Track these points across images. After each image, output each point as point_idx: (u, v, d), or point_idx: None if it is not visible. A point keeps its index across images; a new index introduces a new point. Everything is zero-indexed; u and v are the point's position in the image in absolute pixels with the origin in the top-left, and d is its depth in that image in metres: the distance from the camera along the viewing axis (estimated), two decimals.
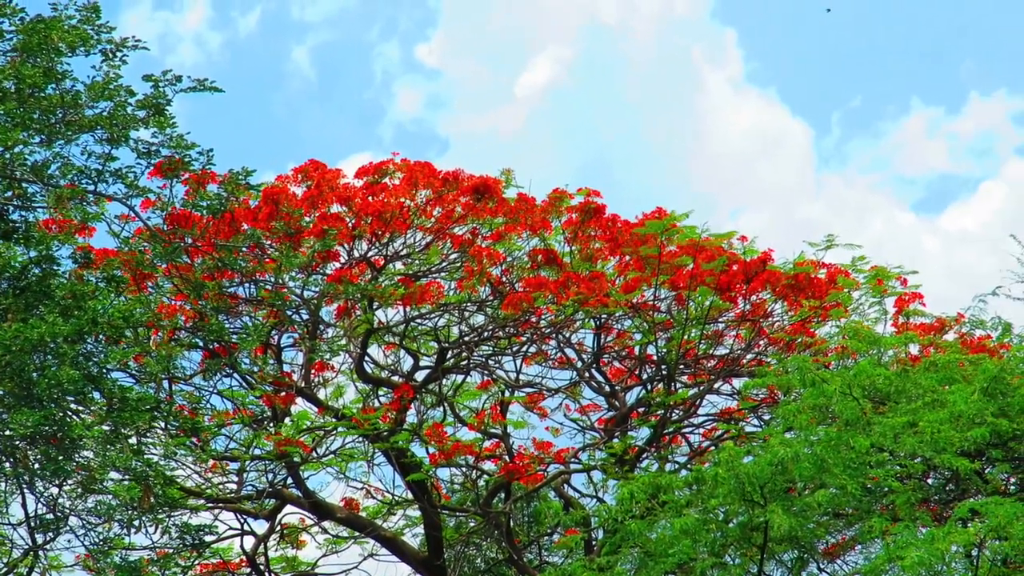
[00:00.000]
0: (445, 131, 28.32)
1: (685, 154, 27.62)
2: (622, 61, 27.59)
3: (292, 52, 27.82)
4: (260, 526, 12.71)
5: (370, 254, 12.50)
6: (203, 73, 10.04)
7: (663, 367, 12.71)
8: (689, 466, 12.64)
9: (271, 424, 12.20)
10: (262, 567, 12.56)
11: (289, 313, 12.08)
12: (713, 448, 12.91)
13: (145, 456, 10.11)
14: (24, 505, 9.62)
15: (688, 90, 27.59)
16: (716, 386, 12.97)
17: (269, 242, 11.89)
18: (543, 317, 12.59)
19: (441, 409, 13.07)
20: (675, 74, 27.45)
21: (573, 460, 12.74)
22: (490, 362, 12.96)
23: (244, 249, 11.56)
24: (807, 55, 27.32)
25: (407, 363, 13.17)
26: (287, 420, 12.20)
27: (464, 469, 12.86)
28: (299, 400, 12.45)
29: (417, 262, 12.53)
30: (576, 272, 12.46)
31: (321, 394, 12.79)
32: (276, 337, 12.61)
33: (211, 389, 11.81)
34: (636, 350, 13.35)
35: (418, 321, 12.79)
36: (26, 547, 9.71)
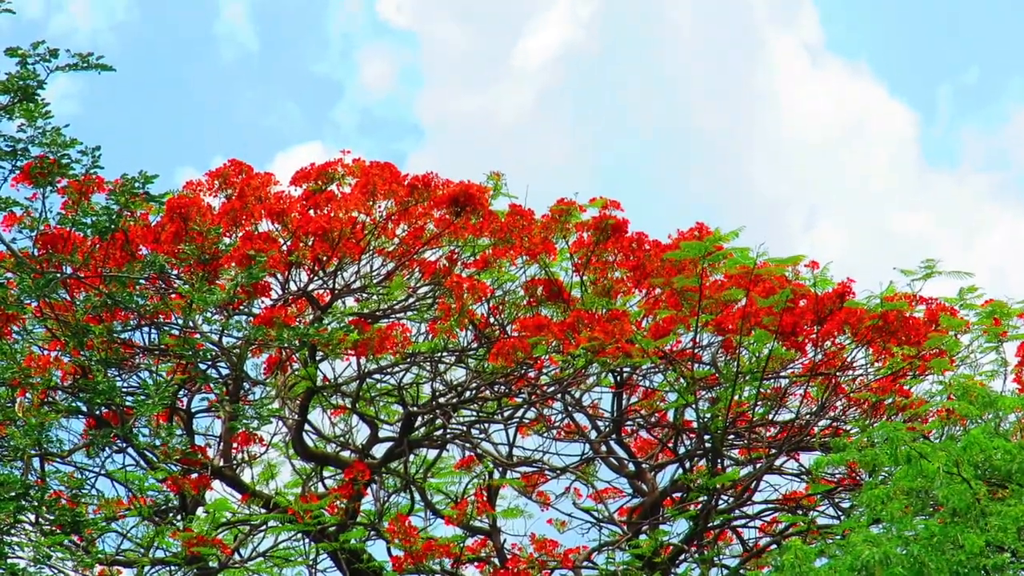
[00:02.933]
0: (420, 115, 28.39)
1: (740, 148, 27.09)
2: (659, 22, 27.14)
3: (223, 10, 27.72)
4: None
5: (312, 287, 12.58)
6: (103, 41, 10.53)
7: (706, 438, 12.74)
8: (742, 571, 12.68)
9: (178, 516, 12.24)
10: None
11: (203, 367, 12.23)
12: (774, 547, 12.91)
13: (8, 561, 10.18)
14: None
15: (748, 61, 27.15)
16: (777, 463, 12.97)
17: (176, 271, 11.99)
18: (544, 371, 12.65)
19: (408, 495, 13.06)
20: (730, 40, 27.00)
21: (586, 564, 12.76)
22: (474, 432, 13.02)
23: (142, 281, 11.61)
24: (908, 16, 26.91)
25: (362, 434, 13.34)
26: (200, 511, 12.23)
27: None
28: (216, 484, 12.51)
29: (375, 298, 12.65)
30: (589, 310, 12.52)
31: (246, 476, 12.84)
32: (185, 399, 12.69)
33: (97, 469, 11.94)
34: (670, 415, 13.38)
35: (376, 377, 12.89)
36: None
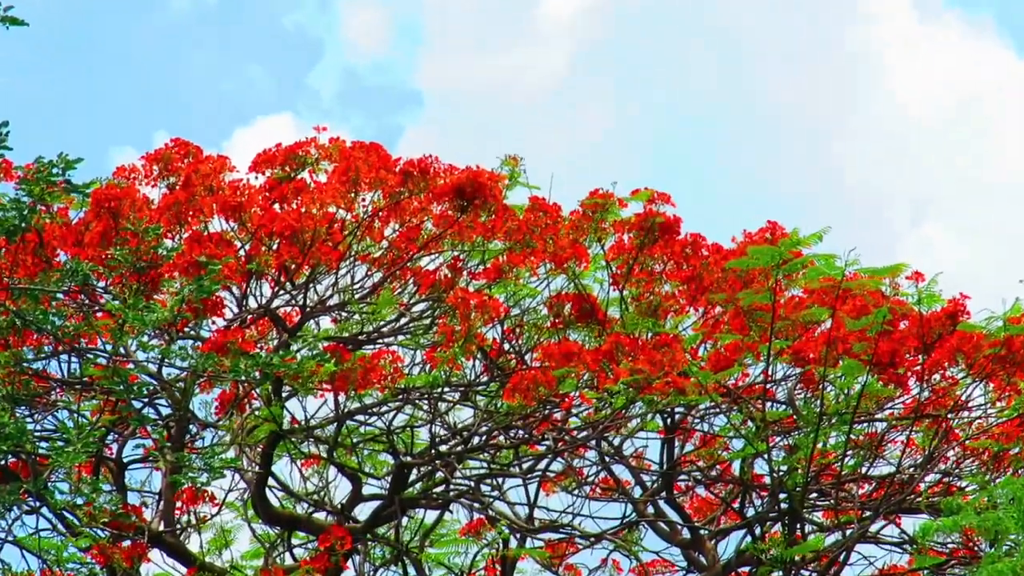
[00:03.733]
0: (419, 82, 27.97)
1: (826, 126, 26.60)
2: None
3: None
4: None
5: (277, 304, 12.33)
6: None
7: (781, 496, 12.49)
8: None
9: None
10: None
11: (137, 405, 12.01)
12: None
13: None
14: None
15: (837, 15, 26.68)
16: (872, 529, 12.79)
17: (103, 283, 11.88)
18: (574, 411, 12.49)
19: (400, 569, 12.92)
20: None
21: None
22: (484, 488, 12.77)
23: (60, 296, 11.56)
24: None
25: (341, 490, 13.08)
26: None
27: None
28: (155, 554, 12.24)
29: (358, 317, 12.44)
30: (631, 334, 12.35)
31: (193, 543, 12.63)
32: (115, 446, 12.54)
33: (3, 535, 11.56)
34: (735, 467, 13.21)
35: (359, 419, 12.60)
36: None
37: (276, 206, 12.09)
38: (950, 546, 12.56)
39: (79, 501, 11.63)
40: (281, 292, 12.25)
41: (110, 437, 12.33)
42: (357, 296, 12.34)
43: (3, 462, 11.75)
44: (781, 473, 12.38)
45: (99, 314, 11.82)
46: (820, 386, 12.15)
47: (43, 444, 11.46)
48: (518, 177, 12.61)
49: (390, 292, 12.31)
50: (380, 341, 12.49)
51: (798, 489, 12.20)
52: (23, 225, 10.65)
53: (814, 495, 12.69)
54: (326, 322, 12.67)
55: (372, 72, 28.44)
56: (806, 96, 26.26)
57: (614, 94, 26.77)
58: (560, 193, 12.63)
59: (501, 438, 12.56)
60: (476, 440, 12.56)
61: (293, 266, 11.99)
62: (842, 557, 12.44)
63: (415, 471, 12.63)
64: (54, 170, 10.60)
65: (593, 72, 26.84)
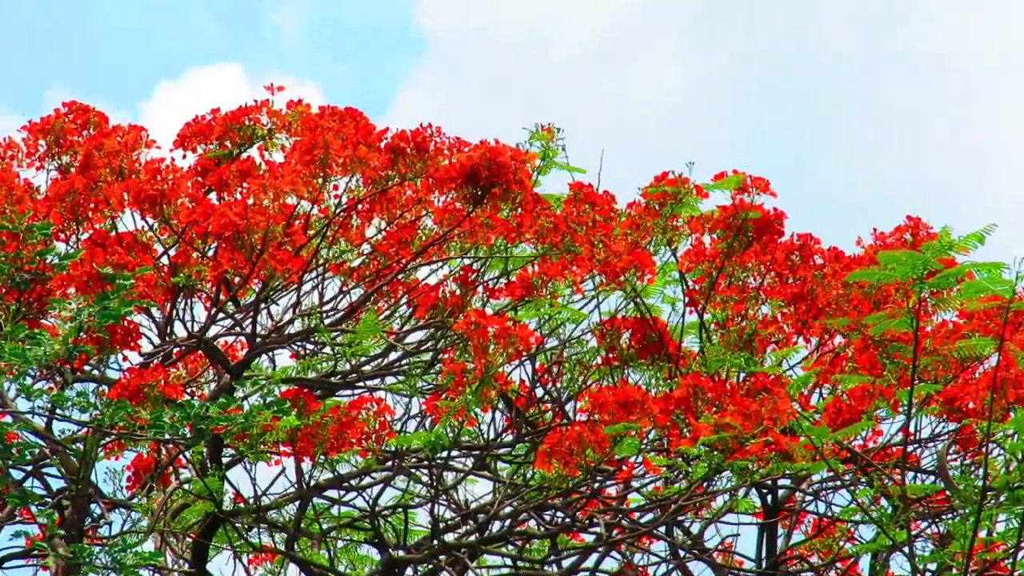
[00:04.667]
0: (420, 25, 26.30)
1: (979, 87, 25.50)
2: None
3: None
4: None
5: (214, 331, 11.51)
6: None
7: None
8: None
9: None
10: None
11: (18, 476, 11.17)
12: None
13: None
14: None
15: None
16: None
17: None
18: (635, 483, 11.79)
19: None
20: None
21: None
22: None
23: None
24: None
25: None
26: None
27: None
28: None
29: (329, 350, 11.77)
30: (714, 375, 11.59)
31: None
32: None
33: None
34: (862, 565, 12.47)
35: (331, 496, 11.84)
36: None
37: (212, 196, 11.24)
38: None
39: None
40: (221, 316, 11.41)
41: None
42: (328, 321, 11.56)
43: None
44: (929, 574, 11.63)
45: None
46: (983, 448, 11.26)
47: None
48: (554, 156, 11.88)
49: (374, 315, 11.44)
50: (361, 385, 11.68)
51: None
52: None
53: None
54: (284, 357, 12.01)
55: (356, 7, 26.56)
56: (948, 46, 25.62)
57: (678, 45, 25.72)
58: (613, 178, 11.90)
59: (532, 523, 11.77)
60: (497, 526, 11.75)
61: (237, 279, 11.16)
62: None
63: (410, 570, 11.83)
64: None
65: (655, 18, 25.75)
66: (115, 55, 25.97)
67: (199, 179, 11.35)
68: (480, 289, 11.52)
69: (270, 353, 11.86)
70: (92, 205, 11.17)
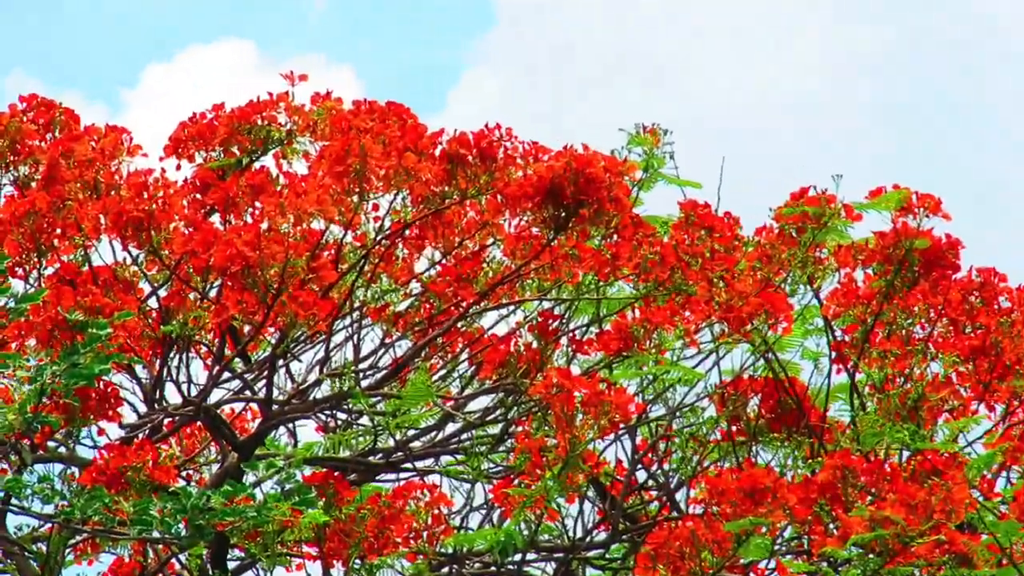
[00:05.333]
0: None
1: None
2: None
3: None
4: None
5: (217, 396, 10.90)
6: None
7: None
8: None
9: None
10: None
11: None
12: None
13: None
14: None
15: None
16: None
17: None
18: None
19: None
20: None
21: None
22: None
23: None
24: None
25: None
26: None
27: None
28: None
29: (366, 420, 11.04)
30: (869, 453, 11.00)
31: None
32: None
33: None
34: None
35: None
36: None
37: (215, 219, 10.44)
38: None
39: None
40: (226, 376, 10.75)
41: None
42: (365, 383, 10.87)
43: None
44: None
45: None
46: None
47: None
48: (660, 165, 10.93)
49: (426, 375, 10.66)
50: (409, 466, 11.02)
51: None
52: None
53: None
54: (309, 430, 11.22)
55: None
56: None
57: (819, 29, 24.53)
58: (735, 195, 11.27)
59: None
60: None
61: (247, 328, 10.55)
62: None
63: None
64: None
65: None
66: (92, 31, 24.76)
67: (198, 196, 10.40)
68: (564, 341, 10.62)
69: (290, 425, 11.06)
70: (58, 231, 10.28)
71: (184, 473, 10.98)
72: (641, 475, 11.05)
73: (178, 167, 10.52)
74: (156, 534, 9.92)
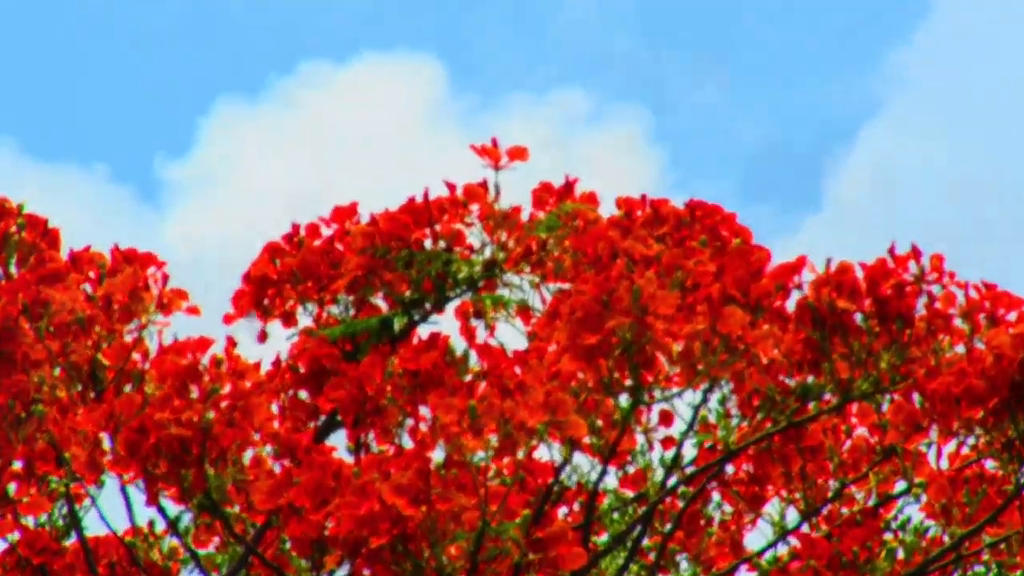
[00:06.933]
0: None
1: None
2: None
3: None
4: None
5: None
6: None
7: None
8: None
9: None
10: None
11: None
12: None
13: None
14: None
15: None
16: None
17: None
18: None
19: None
20: None
21: None
22: None
23: None
24: None
25: None
26: None
27: None
28: None
29: None
30: None
31: None
32: None
33: None
34: None
35: None
36: None
37: (338, 438, 8.11)
38: None
39: None
40: None
41: None
42: None
43: None
44: None
45: None
46: None
47: None
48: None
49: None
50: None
51: None
52: None
53: None
54: None
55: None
56: None
57: None
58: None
59: None
60: None
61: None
62: None
63: None
64: None
65: None
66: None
67: (301, 396, 7.49)
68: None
69: None
70: (16, 466, 7.82)
71: None
72: None
73: (262, 336, 7.48)
74: None
